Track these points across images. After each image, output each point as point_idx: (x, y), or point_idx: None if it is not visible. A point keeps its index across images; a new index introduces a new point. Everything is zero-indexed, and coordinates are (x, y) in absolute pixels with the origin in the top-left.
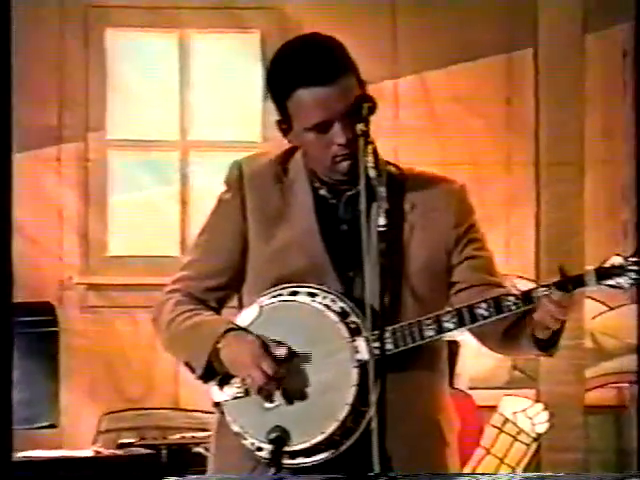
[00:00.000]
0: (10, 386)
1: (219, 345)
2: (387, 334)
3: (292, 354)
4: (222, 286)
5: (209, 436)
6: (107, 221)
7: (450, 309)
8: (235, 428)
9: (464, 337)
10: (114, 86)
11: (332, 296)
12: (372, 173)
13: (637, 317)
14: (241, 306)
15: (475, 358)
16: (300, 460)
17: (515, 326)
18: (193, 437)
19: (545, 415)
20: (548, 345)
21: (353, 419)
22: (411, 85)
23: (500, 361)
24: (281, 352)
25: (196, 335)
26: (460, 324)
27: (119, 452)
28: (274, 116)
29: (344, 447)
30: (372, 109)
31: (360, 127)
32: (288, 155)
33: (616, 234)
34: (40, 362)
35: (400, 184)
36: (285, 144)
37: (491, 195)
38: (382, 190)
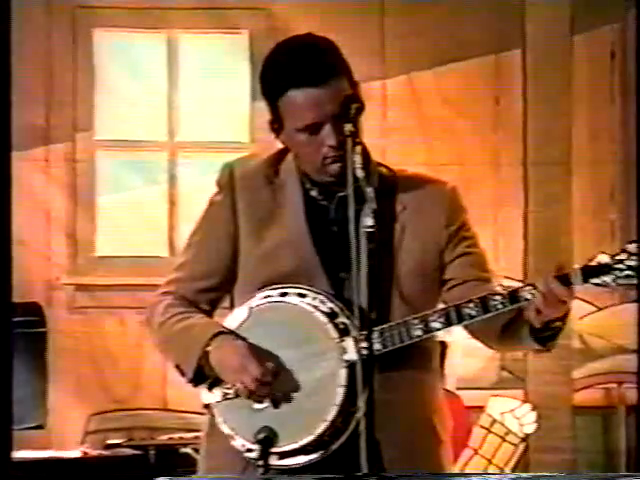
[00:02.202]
0: (10, 386)
1: (208, 349)
2: (375, 334)
3: (278, 364)
4: (213, 287)
5: (197, 437)
6: (95, 221)
7: (437, 309)
8: (225, 429)
9: (452, 337)
10: (102, 86)
11: (321, 297)
12: (360, 174)
13: (637, 317)
14: (233, 306)
15: (463, 359)
16: (289, 461)
17: (514, 322)
18: (181, 438)
19: (533, 416)
20: (547, 339)
21: (342, 420)
22: (399, 85)
23: (488, 362)
24: (269, 365)
25: (186, 338)
26: (447, 324)
27: (107, 453)
28: (262, 117)
29: (334, 448)
30: (360, 110)
31: (348, 128)
32: (280, 156)
33: (604, 234)
34: (28, 362)
35: (391, 185)
36: (273, 145)
37: (479, 195)
38: (370, 191)
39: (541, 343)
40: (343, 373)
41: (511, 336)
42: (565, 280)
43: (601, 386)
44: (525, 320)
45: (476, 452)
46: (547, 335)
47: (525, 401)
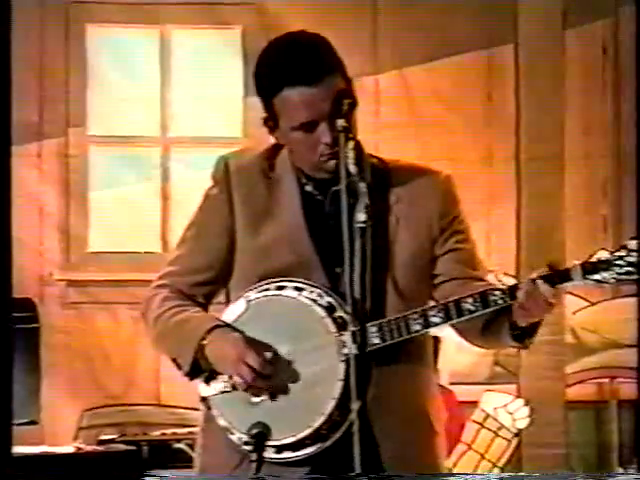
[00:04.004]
0: (10, 382)
1: (205, 342)
2: (374, 328)
3: (275, 355)
4: (209, 281)
5: (190, 432)
6: (88, 217)
7: (436, 304)
8: (222, 423)
9: (445, 332)
10: (95, 82)
11: (319, 290)
12: (353, 169)
13: (637, 313)
14: (228, 301)
15: (456, 353)
16: (287, 454)
17: (494, 319)
18: (174, 433)
19: (526, 410)
20: (524, 336)
21: (340, 413)
22: (392, 81)
23: (481, 357)
24: (267, 355)
25: (182, 332)
26: (446, 318)
27: (100, 448)
28: (255, 112)
29: (331, 441)
30: (352, 105)
31: (340, 123)
32: (275, 150)
33: (596, 229)
34: (21, 358)
35: (384, 177)
36: (266, 140)
37: (472, 191)
38: (363, 186)
39: (519, 341)
40: (341, 367)
41: (491, 334)
42: (565, 276)
43: (594, 381)
44: (504, 318)
45: (469, 447)
46: (525, 333)
47: (518, 396)
